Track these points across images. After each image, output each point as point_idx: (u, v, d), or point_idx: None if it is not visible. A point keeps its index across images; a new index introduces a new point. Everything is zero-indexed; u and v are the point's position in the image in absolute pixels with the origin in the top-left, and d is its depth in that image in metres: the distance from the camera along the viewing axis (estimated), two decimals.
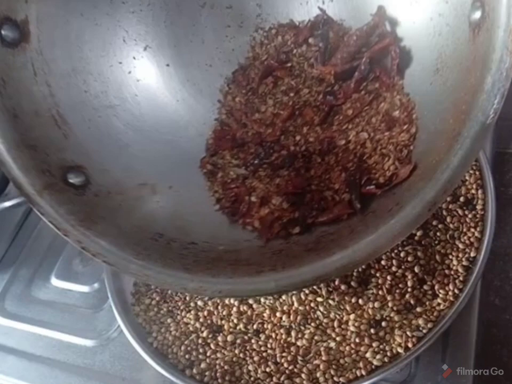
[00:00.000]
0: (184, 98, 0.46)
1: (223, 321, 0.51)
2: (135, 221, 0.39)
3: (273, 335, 0.49)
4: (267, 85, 0.45)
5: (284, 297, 0.50)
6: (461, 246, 0.49)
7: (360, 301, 0.48)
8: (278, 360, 0.48)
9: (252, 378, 0.48)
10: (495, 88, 0.30)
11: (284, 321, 0.49)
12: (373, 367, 0.45)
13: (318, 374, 0.46)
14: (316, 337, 0.48)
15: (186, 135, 0.46)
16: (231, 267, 0.36)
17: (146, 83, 0.45)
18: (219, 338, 0.50)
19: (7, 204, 0.51)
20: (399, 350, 0.45)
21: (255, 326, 0.50)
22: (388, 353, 0.46)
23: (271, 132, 0.43)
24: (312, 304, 0.49)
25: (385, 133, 0.39)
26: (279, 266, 0.35)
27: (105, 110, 0.43)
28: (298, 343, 0.48)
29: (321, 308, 0.49)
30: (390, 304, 0.47)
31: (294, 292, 0.49)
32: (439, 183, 0.31)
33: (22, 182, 0.35)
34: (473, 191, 0.52)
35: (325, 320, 0.48)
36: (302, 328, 0.49)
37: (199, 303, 0.53)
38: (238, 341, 0.49)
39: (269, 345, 0.49)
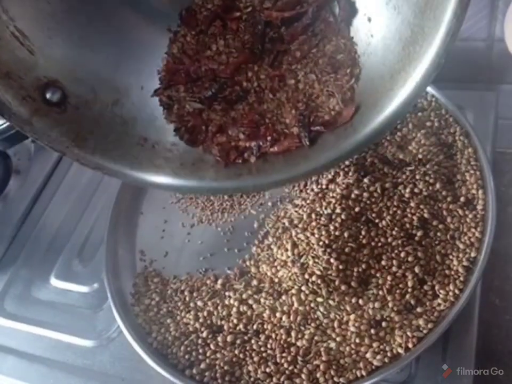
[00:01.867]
0: None
1: (223, 322, 0.51)
2: (119, 127, 0.42)
3: (273, 335, 0.49)
4: (216, 27, 0.46)
5: (283, 297, 0.50)
6: (461, 246, 0.49)
7: (361, 301, 0.48)
8: (278, 360, 0.47)
9: (252, 379, 0.47)
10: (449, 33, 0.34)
11: (284, 322, 0.49)
12: (373, 367, 0.45)
13: (318, 375, 0.46)
14: (316, 338, 0.48)
15: (149, 30, 0.46)
16: (213, 169, 0.43)
17: None
18: (219, 338, 0.50)
19: None
20: (400, 350, 0.45)
21: (255, 326, 0.50)
22: (388, 354, 0.45)
23: (224, 69, 0.45)
24: (312, 305, 0.49)
25: (331, 74, 0.43)
26: (254, 170, 0.42)
27: (61, 15, 0.42)
28: (298, 344, 0.48)
29: (321, 308, 0.48)
30: (390, 305, 0.47)
31: (294, 292, 0.49)
32: (387, 113, 0.38)
33: (10, 114, 0.37)
34: (473, 191, 0.52)
35: (325, 321, 0.48)
36: (302, 328, 0.48)
37: (199, 303, 0.53)
38: (238, 341, 0.49)
39: (268, 346, 0.48)
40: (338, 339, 0.47)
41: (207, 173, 0.42)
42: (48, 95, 0.40)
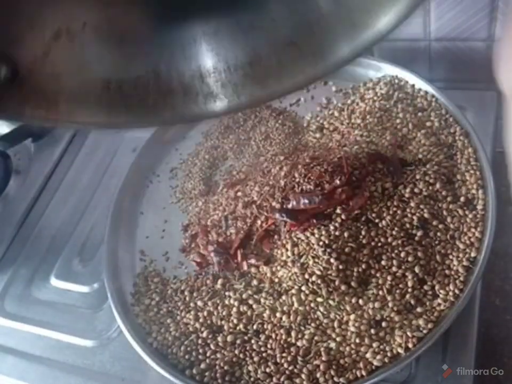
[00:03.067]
0: None
1: (223, 322, 0.51)
2: (79, 76, 0.40)
3: (273, 335, 0.49)
4: None
5: (283, 297, 0.50)
6: (461, 246, 0.49)
7: (361, 301, 0.48)
8: (278, 360, 0.47)
9: (252, 379, 0.47)
10: None
11: (284, 322, 0.49)
12: (373, 367, 0.45)
13: (318, 375, 0.46)
14: (316, 338, 0.48)
15: None
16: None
17: None
18: (219, 338, 0.50)
19: None
20: (400, 350, 0.45)
21: (255, 327, 0.50)
22: (388, 354, 0.45)
23: None
24: (312, 305, 0.49)
25: None
26: None
27: None
28: (298, 344, 0.48)
29: (321, 308, 0.48)
30: (390, 305, 0.47)
31: (294, 292, 0.49)
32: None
33: None
34: (473, 191, 0.52)
35: (325, 321, 0.48)
36: (302, 328, 0.48)
37: (199, 303, 0.53)
38: (238, 341, 0.49)
39: (268, 346, 0.48)
40: (338, 339, 0.47)
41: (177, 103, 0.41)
42: (2, 75, 0.35)
